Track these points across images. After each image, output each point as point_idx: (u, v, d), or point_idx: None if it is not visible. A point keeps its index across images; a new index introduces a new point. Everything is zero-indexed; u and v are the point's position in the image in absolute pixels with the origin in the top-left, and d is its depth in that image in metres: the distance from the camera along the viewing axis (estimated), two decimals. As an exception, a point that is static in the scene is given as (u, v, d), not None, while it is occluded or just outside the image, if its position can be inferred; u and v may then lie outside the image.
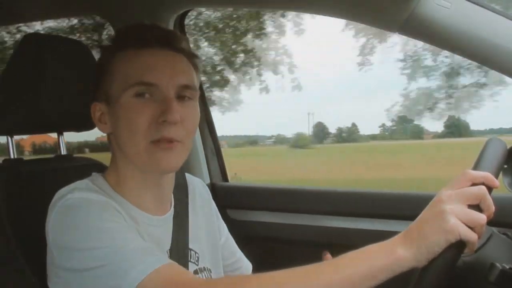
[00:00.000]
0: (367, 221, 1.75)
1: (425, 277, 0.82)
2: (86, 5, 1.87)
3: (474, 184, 0.85)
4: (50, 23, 3.80)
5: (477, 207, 0.83)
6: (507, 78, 1.19)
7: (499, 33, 1.17)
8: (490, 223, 0.85)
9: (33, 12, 1.90)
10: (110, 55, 1.10)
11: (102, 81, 1.10)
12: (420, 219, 0.85)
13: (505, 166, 1.20)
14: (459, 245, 0.82)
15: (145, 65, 1.05)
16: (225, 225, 1.39)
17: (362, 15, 1.35)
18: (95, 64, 1.16)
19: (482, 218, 0.82)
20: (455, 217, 0.81)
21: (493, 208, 0.84)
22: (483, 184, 0.85)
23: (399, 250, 0.83)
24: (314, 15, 1.44)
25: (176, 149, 1.05)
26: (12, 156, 1.34)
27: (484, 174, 0.86)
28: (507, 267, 1.11)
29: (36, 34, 1.32)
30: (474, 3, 1.17)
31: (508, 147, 0.96)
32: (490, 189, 0.85)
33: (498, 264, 1.11)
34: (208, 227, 1.30)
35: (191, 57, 1.13)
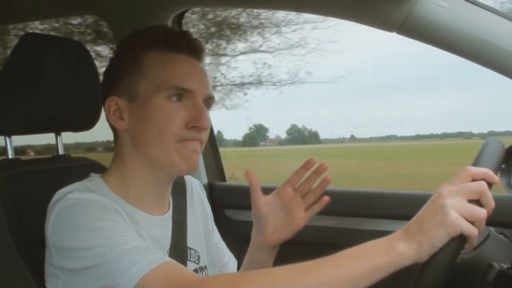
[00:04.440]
0: (367, 221, 1.75)
1: (427, 272, 0.82)
2: (83, 4, 1.87)
3: (474, 180, 0.85)
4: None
5: (478, 202, 0.84)
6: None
7: (496, 32, 1.17)
8: (488, 223, 0.85)
9: (30, 12, 1.89)
10: (139, 52, 1.10)
11: (125, 75, 1.10)
12: (421, 215, 0.86)
13: (503, 166, 1.21)
14: (460, 239, 0.82)
15: (183, 71, 1.09)
16: (216, 227, 1.39)
17: (360, 15, 1.35)
18: (116, 58, 1.16)
19: (482, 212, 0.82)
20: (456, 211, 0.81)
21: (493, 203, 0.84)
22: (483, 180, 0.85)
23: (400, 246, 0.82)
24: (312, 14, 1.44)
25: (199, 152, 1.11)
26: (10, 156, 1.34)
27: (485, 170, 0.86)
28: (505, 266, 1.12)
29: (34, 34, 1.31)
30: (471, 2, 1.17)
31: (506, 147, 0.97)
32: (490, 185, 0.86)
33: (496, 264, 1.11)
34: (205, 226, 1.31)
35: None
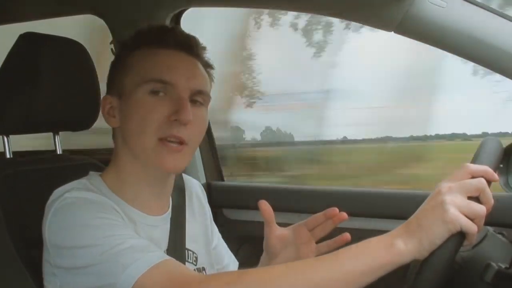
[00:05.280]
0: (367, 220, 1.75)
1: (426, 269, 0.82)
2: (82, 4, 1.87)
3: (473, 177, 0.85)
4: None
5: (477, 199, 0.84)
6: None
7: (495, 32, 1.17)
8: (486, 222, 0.85)
9: (27, 12, 1.89)
10: (128, 51, 1.12)
11: (116, 75, 1.12)
12: (420, 211, 0.85)
13: (501, 165, 1.21)
14: (459, 236, 0.81)
15: (163, 63, 1.08)
16: (216, 229, 1.39)
17: (358, 14, 1.35)
18: (113, 60, 1.17)
19: (482, 209, 0.82)
20: (456, 208, 0.81)
21: (492, 200, 0.84)
22: (482, 177, 0.85)
23: (400, 244, 0.82)
24: (311, 14, 1.44)
25: (182, 151, 1.07)
26: (8, 156, 1.34)
27: (484, 168, 0.86)
28: (503, 266, 1.11)
29: (32, 34, 1.31)
30: (470, 2, 1.17)
31: (504, 146, 0.97)
32: (489, 183, 0.86)
33: (494, 264, 1.11)
34: (203, 229, 1.31)
35: (206, 65, 1.15)
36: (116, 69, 1.14)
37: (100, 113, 1.23)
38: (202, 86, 1.11)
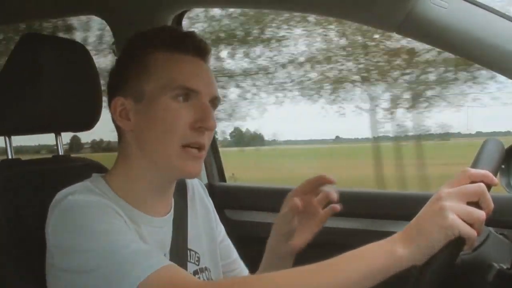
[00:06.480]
0: (367, 221, 1.75)
1: (426, 275, 0.82)
2: (83, 4, 1.87)
3: (473, 182, 0.85)
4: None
5: (476, 204, 0.84)
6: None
7: (496, 32, 1.17)
8: (487, 223, 0.85)
9: (30, 12, 1.89)
10: (146, 53, 1.10)
11: (133, 77, 1.10)
12: (419, 217, 0.86)
13: (503, 166, 1.21)
14: (459, 241, 0.82)
15: (189, 71, 1.09)
16: (222, 225, 1.39)
17: (360, 15, 1.36)
18: (122, 59, 1.15)
19: (481, 214, 0.83)
20: (454, 213, 0.81)
21: (492, 205, 0.84)
22: (482, 182, 0.85)
23: (399, 249, 0.83)
24: (312, 15, 1.44)
25: (202, 158, 1.10)
26: (9, 157, 1.34)
27: (483, 172, 0.86)
28: (505, 267, 1.11)
29: (34, 34, 1.31)
30: (471, 2, 1.17)
31: (506, 147, 0.97)
32: (489, 187, 0.86)
33: (495, 264, 1.11)
34: (206, 227, 1.30)
35: None
36: (130, 70, 1.11)
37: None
38: (217, 92, 1.13)
